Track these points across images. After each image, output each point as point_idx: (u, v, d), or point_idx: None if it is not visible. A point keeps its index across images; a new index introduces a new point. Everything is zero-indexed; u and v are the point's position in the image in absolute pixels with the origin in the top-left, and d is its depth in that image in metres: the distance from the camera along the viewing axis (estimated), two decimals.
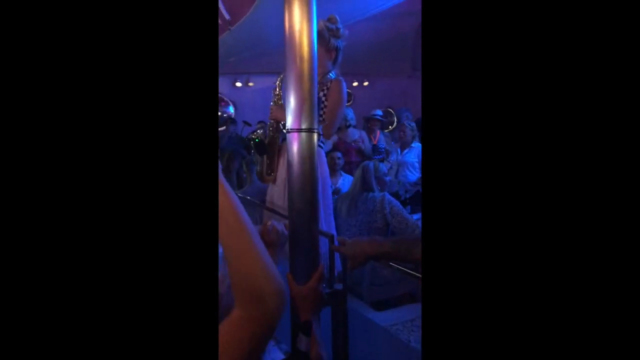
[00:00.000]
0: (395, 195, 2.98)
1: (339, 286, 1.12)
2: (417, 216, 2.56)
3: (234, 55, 4.43)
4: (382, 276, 1.89)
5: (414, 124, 3.52)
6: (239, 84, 5.65)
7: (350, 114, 3.70)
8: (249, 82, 5.67)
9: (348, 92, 6.16)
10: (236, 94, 5.71)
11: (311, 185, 1.00)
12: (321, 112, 1.82)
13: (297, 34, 0.99)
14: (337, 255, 1.22)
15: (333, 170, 2.92)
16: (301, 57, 0.99)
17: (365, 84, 6.04)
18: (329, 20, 1.83)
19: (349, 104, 5.98)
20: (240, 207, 0.54)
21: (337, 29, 1.83)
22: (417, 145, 3.33)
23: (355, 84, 6.00)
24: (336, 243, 1.14)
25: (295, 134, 1.00)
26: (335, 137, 3.71)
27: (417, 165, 3.28)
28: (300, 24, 0.99)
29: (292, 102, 1.00)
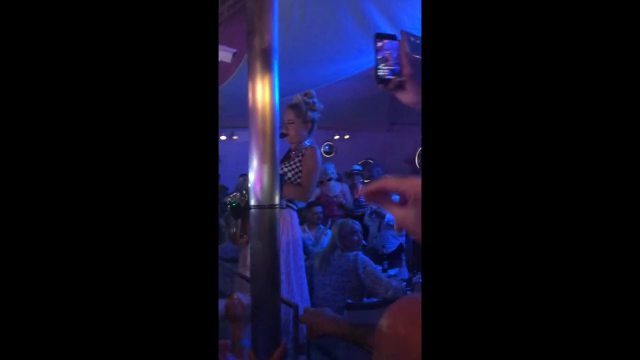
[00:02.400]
0: (373, 250, 3.01)
1: (303, 359, 1.12)
2: (393, 271, 2.58)
3: (221, 111, 4.62)
4: None
5: None
6: (223, 137, 5.79)
7: (331, 168, 3.81)
8: (233, 135, 5.82)
9: (330, 145, 6.37)
10: (220, 148, 5.83)
11: (272, 260, 1.04)
12: (297, 177, 1.92)
13: (259, 113, 1.07)
14: (302, 325, 1.23)
15: (314, 224, 2.94)
16: (264, 135, 1.07)
17: (347, 137, 6.27)
18: (305, 95, 2.01)
19: (330, 156, 6.16)
20: None
21: (313, 102, 1.99)
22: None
23: (337, 137, 6.22)
24: (301, 313, 1.15)
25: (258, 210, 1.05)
26: (317, 191, 3.80)
27: None
28: (262, 102, 1.06)
29: (254, 178, 1.06)
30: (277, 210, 1.06)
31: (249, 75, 1.07)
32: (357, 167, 4.43)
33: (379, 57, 0.85)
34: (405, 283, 2.30)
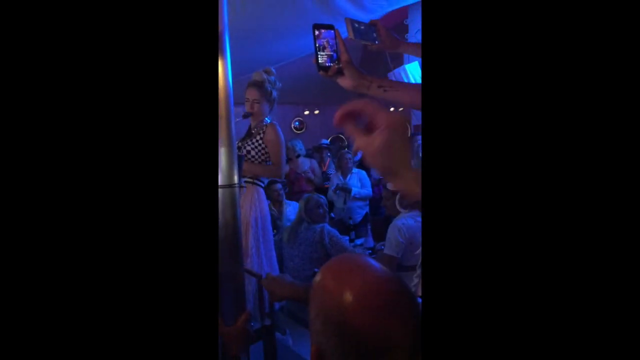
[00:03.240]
0: (340, 222, 3.14)
1: (267, 322, 1.22)
2: (360, 241, 2.73)
3: None
4: None
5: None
6: None
7: (299, 144, 3.86)
8: None
9: (300, 121, 6.38)
10: None
11: (234, 234, 1.11)
12: (260, 154, 1.97)
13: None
14: (266, 293, 1.32)
15: (277, 202, 3.00)
16: (220, 116, 1.11)
17: (316, 112, 6.30)
18: (265, 72, 2.02)
19: (301, 131, 6.19)
20: None
21: (275, 80, 2.02)
22: (357, 171, 3.54)
23: (306, 112, 6.24)
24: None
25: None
26: (286, 167, 3.86)
27: (359, 187, 3.48)
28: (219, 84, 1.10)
29: None
30: (237, 189, 1.13)
31: None
32: (325, 141, 4.51)
33: (318, 45, 0.91)
34: (370, 251, 2.44)
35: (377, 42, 1.05)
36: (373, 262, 0.61)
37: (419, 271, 1.72)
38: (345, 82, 0.94)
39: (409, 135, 0.53)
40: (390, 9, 2.90)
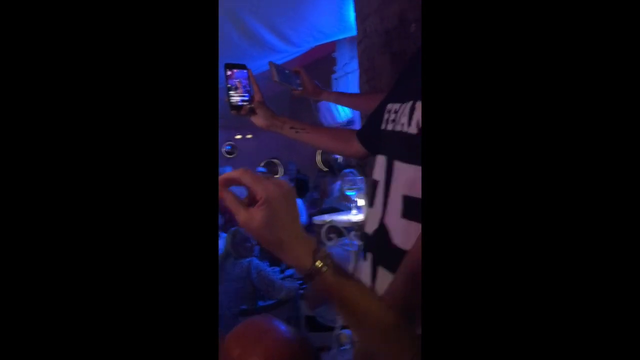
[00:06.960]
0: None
1: None
2: (290, 271, 2.72)
3: None
4: None
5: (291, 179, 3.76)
6: None
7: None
8: None
9: (232, 145, 6.29)
10: None
11: None
12: None
13: None
14: None
15: None
16: None
17: (249, 136, 6.26)
18: None
19: (233, 156, 6.10)
20: None
21: None
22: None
23: (238, 136, 6.18)
24: None
25: None
26: None
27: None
28: None
29: None
30: None
31: None
32: (260, 168, 4.50)
33: (229, 85, 0.92)
34: (300, 281, 2.45)
35: (300, 88, 1.09)
36: (279, 324, 0.62)
37: None
38: (258, 121, 0.96)
39: (294, 202, 0.49)
40: (316, 44, 3.03)
